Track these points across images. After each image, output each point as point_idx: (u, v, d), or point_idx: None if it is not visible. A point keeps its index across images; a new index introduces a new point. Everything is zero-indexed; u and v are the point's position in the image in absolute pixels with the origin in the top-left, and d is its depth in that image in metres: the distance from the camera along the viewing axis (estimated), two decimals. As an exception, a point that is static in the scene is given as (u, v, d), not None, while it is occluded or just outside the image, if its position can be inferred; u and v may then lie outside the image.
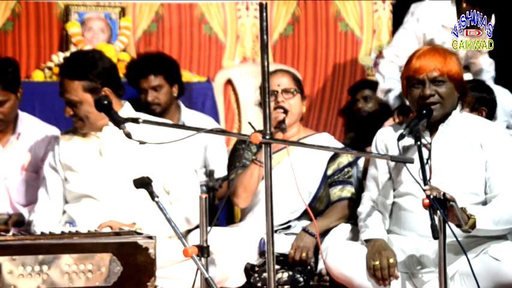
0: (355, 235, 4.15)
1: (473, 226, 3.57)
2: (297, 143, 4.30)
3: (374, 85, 6.07)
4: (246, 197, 4.38)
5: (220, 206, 4.51)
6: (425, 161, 3.70)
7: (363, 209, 3.99)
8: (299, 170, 4.37)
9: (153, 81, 5.15)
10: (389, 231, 3.92)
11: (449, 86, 3.78)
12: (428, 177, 3.68)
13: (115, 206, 4.08)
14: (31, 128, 4.54)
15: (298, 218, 4.36)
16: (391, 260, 3.71)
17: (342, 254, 3.86)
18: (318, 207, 4.41)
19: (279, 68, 4.83)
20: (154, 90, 5.14)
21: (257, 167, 4.32)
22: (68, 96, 4.09)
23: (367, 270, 3.74)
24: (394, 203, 3.93)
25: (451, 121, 3.83)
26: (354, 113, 6.01)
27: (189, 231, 4.27)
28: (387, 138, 3.97)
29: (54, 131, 4.57)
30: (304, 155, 4.43)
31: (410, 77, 3.80)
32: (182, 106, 5.38)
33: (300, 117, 4.50)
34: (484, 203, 3.78)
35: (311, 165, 4.43)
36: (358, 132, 5.96)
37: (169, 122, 4.55)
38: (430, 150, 3.80)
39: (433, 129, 3.85)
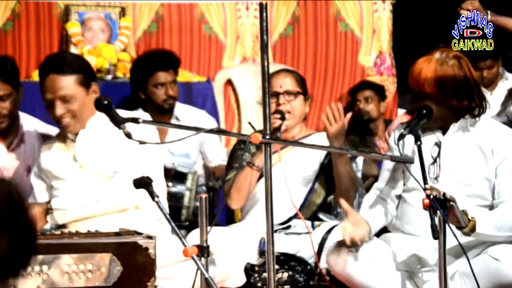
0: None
1: (474, 229, 3.57)
2: (297, 143, 4.30)
3: (375, 86, 6.08)
4: (239, 200, 4.39)
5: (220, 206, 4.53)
6: (434, 158, 3.76)
7: (367, 199, 3.99)
8: (294, 169, 4.37)
9: (173, 75, 5.24)
10: (392, 225, 3.93)
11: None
12: (436, 175, 3.73)
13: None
14: (33, 129, 4.52)
15: (298, 217, 4.36)
16: (365, 227, 3.72)
17: (342, 251, 3.86)
18: (315, 200, 4.41)
19: (282, 68, 4.82)
20: (173, 84, 5.21)
21: (251, 171, 4.33)
22: (60, 93, 4.00)
23: (340, 231, 3.74)
24: (400, 196, 3.93)
25: (463, 122, 3.83)
26: (354, 114, 6.01)
27: (189, 231, 4.27)
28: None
29: (55, 131, 4.56)
30: (301, 153, 4.43)
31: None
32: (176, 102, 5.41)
33: (302, 118, 4.50)
34: (491, 207, 3.78)
35: (307, 160, 4.42)
36: (359, 134, 5.96)
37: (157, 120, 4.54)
38: (439, 148, 3.82)
39: (444, 129, 3.86)
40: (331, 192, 4.50)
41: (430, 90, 3.74)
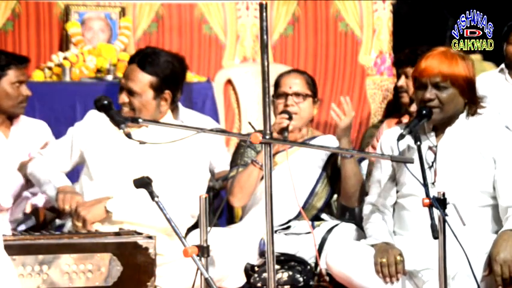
0: (359, 236, 4.17)
1: None
2: (297, 143, 4.30)
3: None
4: (242, 197, 4.38)
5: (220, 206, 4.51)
6: (430, 163, 3.76)
7: (367, 215, 4.00)
8: (298, 171, 4.37)
9: None
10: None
11: (452, 92, 3.77)
12: (432, 180, 3.73)
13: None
14: (25, 120, 4.68)
15: (298, 218, 4.36)
16: (398, 258, 3.72)
17: (343, 252, 3.87)
18: (316, 204, 4.41)
19: (293, 69, 4.82)
20: None
21: (255, 169, 4.32)
22: (130, 85, 4.03)
23: (374, 267, 3.74)
24: (396, 203, 3.93)
25: (458, 125, 3.82)
26: None
27: (188, 231, 4.26)
28: (393, 139, 3.94)
29: (43, 124, 4.72)
30: (305, 155, 4.43)
31: (416, 78, 3.83)
32: (180, 106, 5.38)
33: (308, 120, 4.50)
34: (492, 206, 3.79)
35: (310, 163, 4.42)
36: None
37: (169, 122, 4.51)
38: (435, 154, 3.81)
39: (438, 132, 3.85)
40: (332, 195, 4.50)
41: (440, 79, 3.75)
